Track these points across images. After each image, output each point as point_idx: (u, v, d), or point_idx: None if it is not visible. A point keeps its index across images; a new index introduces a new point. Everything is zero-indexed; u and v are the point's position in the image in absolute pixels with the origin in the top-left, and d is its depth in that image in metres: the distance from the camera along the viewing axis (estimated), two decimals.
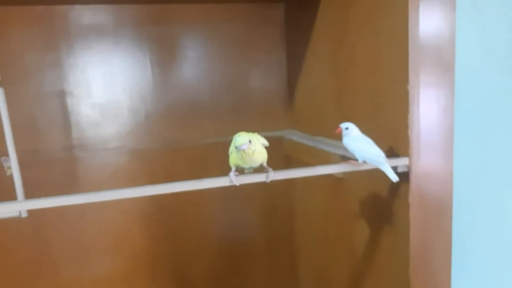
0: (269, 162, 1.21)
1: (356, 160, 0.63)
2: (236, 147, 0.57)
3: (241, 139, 0.57)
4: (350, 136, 0.64)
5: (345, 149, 0.78)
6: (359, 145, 0.62)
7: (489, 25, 0.84)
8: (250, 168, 0.62)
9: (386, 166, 0.60)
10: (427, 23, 0.61)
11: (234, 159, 0.60)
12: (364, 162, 0.63)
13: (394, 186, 0.67)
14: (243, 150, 0.56)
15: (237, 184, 0.60)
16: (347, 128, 0.64)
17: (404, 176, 0.63)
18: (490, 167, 0.87)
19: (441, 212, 0.66)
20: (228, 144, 1.12)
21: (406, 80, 0.62)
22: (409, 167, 0.63)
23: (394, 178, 0.60)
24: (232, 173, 0.60)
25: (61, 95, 1.00)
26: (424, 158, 0.64)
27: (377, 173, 0.71)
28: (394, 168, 0.63)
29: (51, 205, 0.56)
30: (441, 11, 0.61)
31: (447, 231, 0.68)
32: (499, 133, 0.87)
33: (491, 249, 0.89)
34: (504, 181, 0.88)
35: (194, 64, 1.08)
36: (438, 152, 0.65)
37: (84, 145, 1.03)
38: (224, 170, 1.12)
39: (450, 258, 0.69)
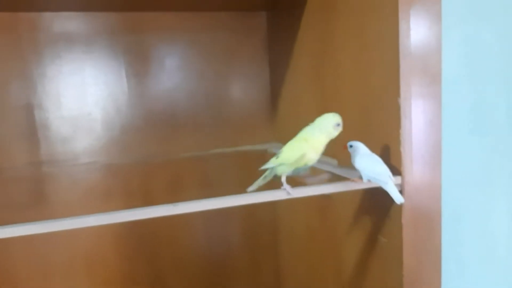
0: (253, 176, 1.17)
1: (361, 178, 0.60)
2: (338, 124, 0.58)
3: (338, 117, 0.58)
4: (356, 154, 0.60)
5: (329, 164, 0.75)
6: (364, 163, 0.59)
7: (474, 36, 0.84)
8: (304, 170, 0.60)
9: (391, 186, 0.57)
10: (414, 33, 0.58)
11: (305, 158, 0.58)
12: (369, 181, 0.59)
13: (385, 206, 0.63)
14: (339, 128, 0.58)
15: (294, 195, 0.57)
16: (351, 146, 0.61)
17: None
18: (476, 178, 0.86)
19: (431, 229, 0.63)
20: (208, 158, 1.07)
21: (397, 93, 0.58)
22: (402, 186, 0.59)
23: (399, 199, 0.56)
24: (286, 185, 0.57)
25: (28, 108, 0.94)
26: (415, 174, 0.60)
27: (367, 192, 0.68)
28: (378, 187, 0.59)
29: (15, 235, 0.50)
30: (426, 21, 0.59)
31: (437, 249, 0.64)
32: (485, 143, 0.86)
33: (477, 262, 0.88)
34: (491, 192, 0.87)
35: (172, 75, 1.03)
36: (426, 167, 0.61)
37: (53, 161, 0.96)
38: (203, 186, 1.08)
39: (440, 277, 0.66)
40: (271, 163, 0.61)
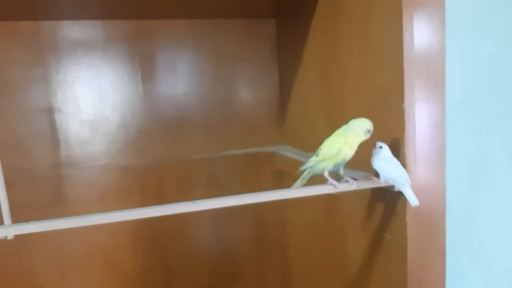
0: (261, 177, 1.20)
1: (378, 177, 0.63)
2: (369, 131, 0.61)
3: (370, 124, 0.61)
4: (379, 156, 0.63)
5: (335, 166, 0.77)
6: (384, 166, 0.62)
7: (479, 40, 0.85)
8: (341, 165, 0.64)
9: (407, 189, 0.60)
10: (417, 39, 0.61)
11: (341, 154, 0.62)
12: (386, 181, 0.62)
13: (390, 205, 0.66)
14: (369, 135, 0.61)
15: (342, 189, 0.61)
16: (381, 147, 0.63)
17: (401, 195, 0.63)
18: (481, 179, 0.88)
19: (435, 228, 0.66)
20: (219, 160, 1.11)
21: (401, 98, 0.61)
22: None
23: (414, 202, 0.60)
24: (331, 180, 0.61)
25: (49, 112, 0.98)
26: (419, 174, 0.63)
27: (373, 191, 0.71)
28: (391, 187, 0.62)
29: (39, 230, 0.53)
30: (430, 26, 0.62)
31: (441, 247, 0.67)
32: (489, 146, 0.88)
33: (482, 261, 0.89)
34: (496, 193, 0.89)
35: (185, 79, 1.07)
36: (431, 168, 0.64)
37: (72, 163, 1.01)
38: (214, 186, 1.12)
39: (444, 273, 0.68)
40: (312, 161, 0.65)
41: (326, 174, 0.63)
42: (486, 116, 0.86)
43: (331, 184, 0.61)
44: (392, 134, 0.64)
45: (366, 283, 0.76)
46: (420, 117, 0.62)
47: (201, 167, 1.11)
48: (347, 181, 0.63)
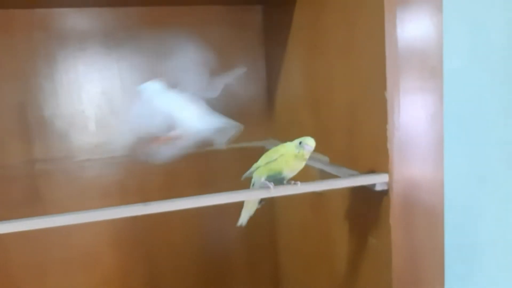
0: None
1: None
2: (302, 145, 0.57)
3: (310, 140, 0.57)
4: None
5: (319, 161, 0.73)
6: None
7: (478, 27, 0.81)
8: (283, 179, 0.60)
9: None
10: (411, 25, 0.55)
11: (277, 164, 0.59)
12: None
13: (373, 206, 0.61)
14: (308, 151, 0.57)
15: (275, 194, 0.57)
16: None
17: (384, 195, 0.57)
18: (481, 174, 0.84)
19: (432, 227, 0.60)
20: (205, 155, 1.06)
21: (383, 87, 0.56)
22: (389, 184, 0.57)
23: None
24: (268, 183, 0.58)
25: (24, 106, 0.94)
26: (411, 170, 0.58)
27: (354, 190, 0.66)
28: (372, 186, 0.57)
29: (8, 231, 0.49)
30: (426, 12, 0.56)
31: (439, 246, 0.62)
32: (490, 138, 0.84)
33: (487, 262, 0.85)
34: (498, 187, 0.85)
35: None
36: (427, 162, 0.59)
37: (49, 159, 0.97)
38: (200, 183, 1.07)
39: (443, 275, 0.63)
40: (254, 167, 0.65)
41: (262, 179, 0.60)
42: (486, 111, 0.82)
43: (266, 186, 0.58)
44: (374, 127, 0.59)
45: (354, 285, 0.71)
46: (413, 108, 0.57)
47: (186, 162, 1.06)
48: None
